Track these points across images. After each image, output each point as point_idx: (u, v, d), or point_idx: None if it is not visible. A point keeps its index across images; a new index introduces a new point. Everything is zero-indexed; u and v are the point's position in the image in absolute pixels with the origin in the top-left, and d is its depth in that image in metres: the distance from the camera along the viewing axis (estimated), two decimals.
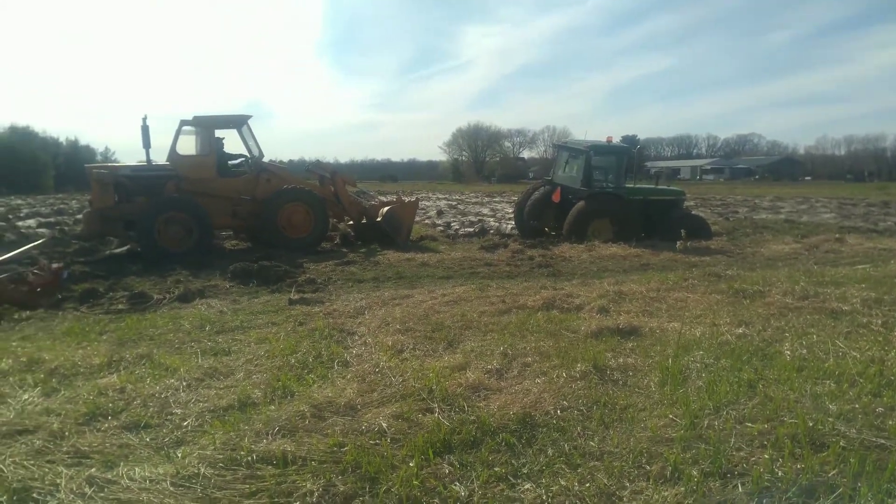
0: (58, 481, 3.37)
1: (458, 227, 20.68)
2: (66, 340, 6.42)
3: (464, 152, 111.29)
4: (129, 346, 6.04)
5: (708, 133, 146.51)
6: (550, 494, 3.13)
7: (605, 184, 16.27)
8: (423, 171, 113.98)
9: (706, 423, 3.81)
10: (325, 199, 15.06)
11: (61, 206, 29.87)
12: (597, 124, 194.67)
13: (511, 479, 3.32)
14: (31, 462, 3.63)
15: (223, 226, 14.72)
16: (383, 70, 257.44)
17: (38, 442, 3.90)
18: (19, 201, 34.29)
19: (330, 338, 6.20)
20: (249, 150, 14.55)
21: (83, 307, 8.35)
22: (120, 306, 8.35)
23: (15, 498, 3.24)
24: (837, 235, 15.60)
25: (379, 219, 15.31)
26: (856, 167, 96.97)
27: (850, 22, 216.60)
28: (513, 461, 3.51)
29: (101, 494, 3.25)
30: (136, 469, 3.48)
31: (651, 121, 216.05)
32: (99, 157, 60.53)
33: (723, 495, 3.00)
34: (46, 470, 3.53)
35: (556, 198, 16.46)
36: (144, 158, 13.78)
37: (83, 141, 66.85)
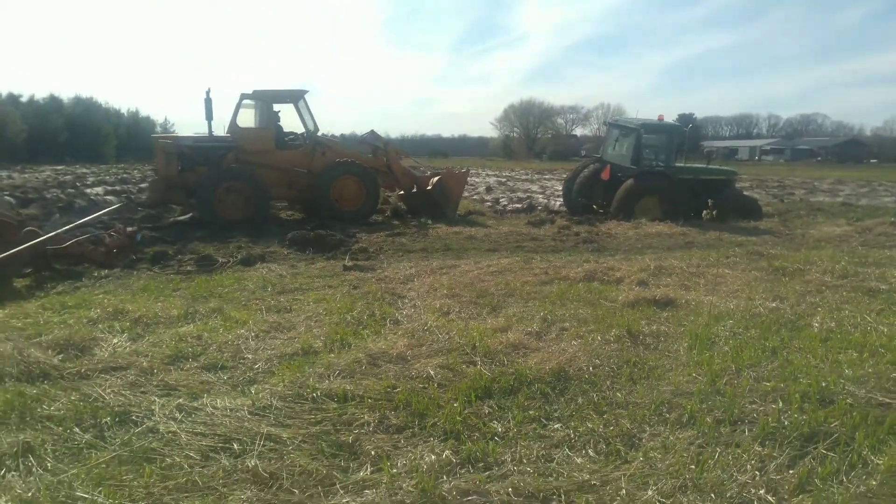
0: (152, 407, 3.93)
1: (506, 203, 20.98)
2: (144, 296, 7.06)
3: (515, 129, 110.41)
4: (201, 302, 6.63)
5: (769, 112, 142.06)
6: (577, 434, 3.54)
7: (655, 162, 16.28)
8: (474, 147, 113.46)
9: (725, 380, 4.15)
10: (378, 169, 15.55)
11: (124, 175, 31.19)
12: (654, 102, 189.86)
13: (543, 420, 3.74)
14: (128, 392, 4.20)
15: (279, 196, 15.30)
16: (439, 45, 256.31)
17: (131, 377, 4.47)
18: (84, 170, 35.83)
19: (382, 300, 6.68)
20: (305, 125, 15.08)
21: (155, 268, 9.04)
22: (188, 268, 9.01)
23: (117, 419, 3.79)
24: (893, 219, 15.33)
25: (429, 188, 15.74)
26: None
27: None
28: (546, 407, 3.93)
29: (190, 419, 3.79)
30: (218, 400, 4.01)
31: (710, 100, 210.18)
32: (158, 129, 62.32)
33: (731, 438, 3.36)
34: (141, 398, 4.10)
35: (605, 175, 16.54)
36: (202, 129, 14.50)
37: (144, 112, 68.95)
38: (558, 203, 19.79)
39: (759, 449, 3.23)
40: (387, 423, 3.68)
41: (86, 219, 10.33)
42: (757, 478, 2.95)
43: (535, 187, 28.60)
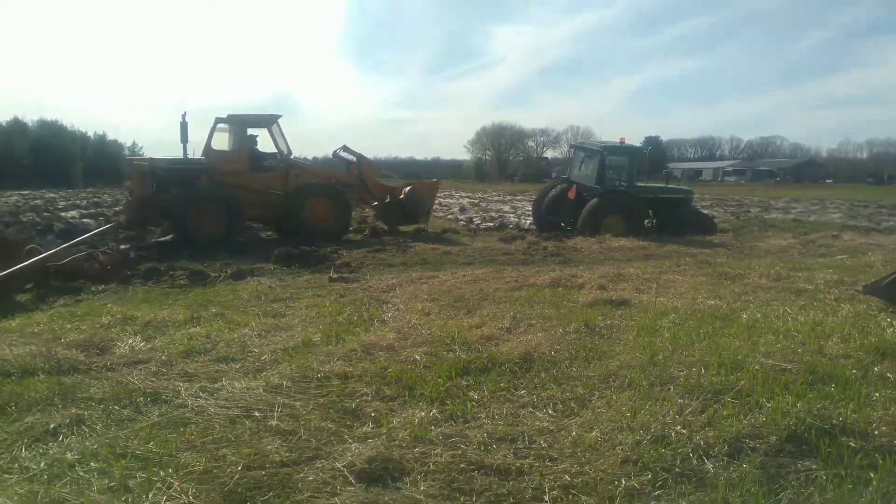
0: (178, 389, 4.62)
1: (479, 222, 21.93)
2: (147, 305, 7.69)
3: (487, 151, 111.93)
4: (203, 309, 7.30)
5: (731, 135, 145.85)
6: (539, 398, 4.33)
7: (618, 182, 17.36)
8: (447, 169, 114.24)
9: (661, 356, 4.99)
10: (351, 184, 16.32)
11: (94, 199, 31.42)
12: (622, 125, 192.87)
13: (512, 390, 4.53)
14: (154, 379, 4.87)
15: (254, 217, 15.83)
16: (411, 68, 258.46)
17: (153, 368, 5.14)
18: (52, 194, 35.89)
19: (369, 305, 7.43)
20: (279, 148, 15.74)
21: (149, 283, 9.64)
22: (182, 282, 9.64)
23: (150, 399, 4.47)
24: (835, 232, 16.57)
25: (402, 196, 16.53)
26: (877, 170, 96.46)
27: (884, 24, 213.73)
28: (514, 381, 4.72)
29: (213, 397, 4.48)
30: (235, 383, 4.72)
31: (675, 123, 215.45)
32: (126, 152, 61.96)
33: (659, 395, 4.18)
34: (166, 383, 4.78)
35: (571, 195, 17.57)
36: (171, 152, 15.17)
37: (111, 136, 68.31)
38: (528, 222, 20.76)
39: (680, 400, 4.05)
40: (382, 394, 4.43)
41: (79, 238, 10.91)
42: (676, 419, 3.76)
43: (506, 208, 29.63)
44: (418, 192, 16.74)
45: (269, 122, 15.58)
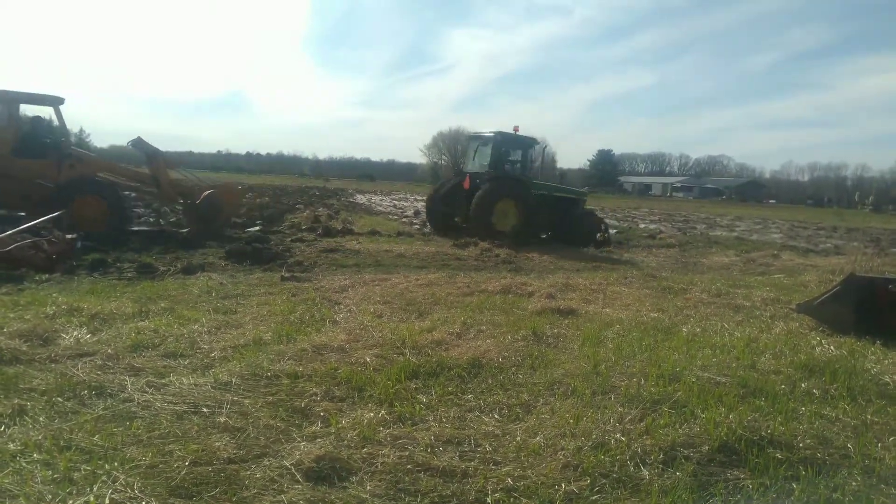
0: (124, 383, 4.57)
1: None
2: (93, 297, 7.53)
3: (443, 156, 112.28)
4: (152, 302, 7.20)
5: (681, 152, 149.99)
6: (486, 403, 4.45)
7: (511, 170, 17.50)
8: (403, 172, 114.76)
9: (604, 366, 5.18)
10: (144, 181, 15.20)
11: None
12: (577, 135, 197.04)
13: (459, 394, 4.63)
14: (99, 372, 4.81)
15: (14, 208, 14.04)
16: (369, 68, 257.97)
17: (98, 361, 5.06)
18: None
19: (321, 305, 7.44)
20: (61, 134, 14.31)
21: (95, 273, 9.42)
22: (129, 274, 9.46)
23: (94, 392, 4.43)
24: (775, 252, 17.23)
25: (198, 201, 15.36)
26: (817, 193, 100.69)
27: (832, 49, 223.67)
28: (462, 385, 4.82)
29: (160, 392, 4.46)
30: (183, 379, 4.70)
31: (628, 136, 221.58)
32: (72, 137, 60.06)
33: (601, 403, 4.35)
34: (112, 377, 4.73)
35: (465, 185, 17.24)
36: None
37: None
38: None
39: (621, 409, 4.23)
40: (332, 395, 4.48)
41: (25, 225, 10.58)
42: (616, 427, 3.93)
43: None
44: (216, 199, 15.37)
45: (49, 102, 13.93)
